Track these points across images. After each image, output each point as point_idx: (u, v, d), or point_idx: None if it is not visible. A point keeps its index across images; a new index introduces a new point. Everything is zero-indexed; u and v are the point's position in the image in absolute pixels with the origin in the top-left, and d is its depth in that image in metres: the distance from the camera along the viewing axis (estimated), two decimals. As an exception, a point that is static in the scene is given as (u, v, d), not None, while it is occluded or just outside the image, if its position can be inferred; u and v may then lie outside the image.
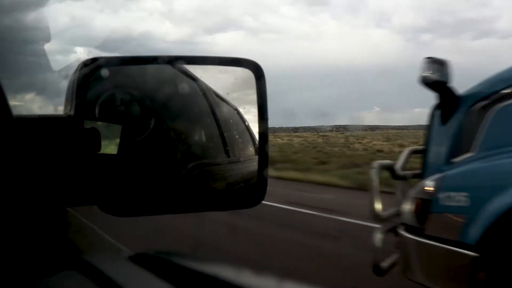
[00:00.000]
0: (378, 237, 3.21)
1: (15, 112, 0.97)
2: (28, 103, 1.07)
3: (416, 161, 3.60)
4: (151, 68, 0.99)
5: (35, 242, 0.83)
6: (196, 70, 1.02)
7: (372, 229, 3.39)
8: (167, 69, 1.01)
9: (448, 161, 3.06)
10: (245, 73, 1.00)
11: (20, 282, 0.64)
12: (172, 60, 0.97)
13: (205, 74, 1.03)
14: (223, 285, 0.61)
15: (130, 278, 0.62)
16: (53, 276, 0.65)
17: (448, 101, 3.23)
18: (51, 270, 0.67)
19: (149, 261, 0.72)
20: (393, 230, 3.24)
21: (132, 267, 0.68)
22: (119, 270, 0.64)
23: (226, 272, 0.64)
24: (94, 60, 0.94)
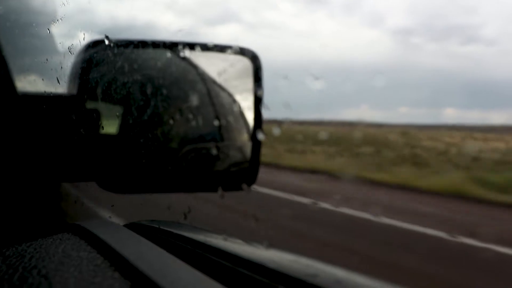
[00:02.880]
0: None
1: (20, 90, 1.00)
2: (33, 83, 1.10)
3: None
4: (152, 52, 1.03)
5: (33, 210, 0.85)
6: (196, 57, 1.05)
7: None
8: (168, 54, 1.04)
9: None
10: (243, 62, 1.03)
11: (17, 242, 0.67)
12: (173, 45, 1.01)
13: (204, 61, 1.06)
14: (214, 252, 0.64)
15: (124, 242, 0.65)
16: (48, 237, 0.68)
17: None
18: (47, 233, 0.70)
19: (143, 229, 0.75)
20: None
21: (126, 232, 0.71)
22: (113, 235, 0.67)
23: (216, 240, 0.67)
24: (98, 42, 0.97)
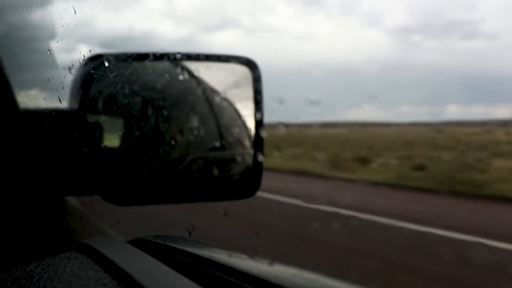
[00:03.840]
0: None
1: (22, 106, 1.01)
2: (33, 99, 1.11)
3: None
4: (152, 64, 1.03)
5: (39, 226, 0.87)
6: (196, 67, 1.06)
7: None
8: (168, 65, 1.05)
9: None
10: (242, 70, 1.04)
11: (25, 261, 0.68)
12: (173, 57, 1.01)
13: (205, 71, 1.07)
14: (218, 268, 0.65)
15: (130, 260, 0.66)
16: (56, 256, 0.69)
17: None
18: (54, 251, 0.71)
19: (148, 245, 0.76)
20: None
21: (132, 250, 0.72)
22: (119, 253, 0.68)
23: (221, 255, 0.68)
24: (98, 56, 0.98)
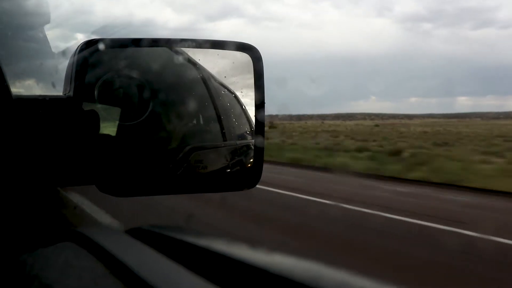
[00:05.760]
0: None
1: (15, 95, 0.98)
2: (28, 88, 1.08)
3: None
4: (150, 51, 1.01)
5: (32, 216, 0.84)
6: (194, 54, 1.03)
7: None
8: (166, 52, 1.02)
9: None
10: (243, 57, 1.01)
11: (16, 252, 0.66)
12: (171, 43, 0.98)
13: (203, 58, 1.04)
14: (216, 257, 0.63)
15: (126, 250, 0.64)
16: (49, 246, 0.67)
17: None
18: (47, 242, 0.69)
19: (144, 234, 0.74)
20: None
21: (128, 239, 0.70)
22: (114, 242, 0.66)
23: (219, 244, 0.66)
24: (94, 41, 0.95)
